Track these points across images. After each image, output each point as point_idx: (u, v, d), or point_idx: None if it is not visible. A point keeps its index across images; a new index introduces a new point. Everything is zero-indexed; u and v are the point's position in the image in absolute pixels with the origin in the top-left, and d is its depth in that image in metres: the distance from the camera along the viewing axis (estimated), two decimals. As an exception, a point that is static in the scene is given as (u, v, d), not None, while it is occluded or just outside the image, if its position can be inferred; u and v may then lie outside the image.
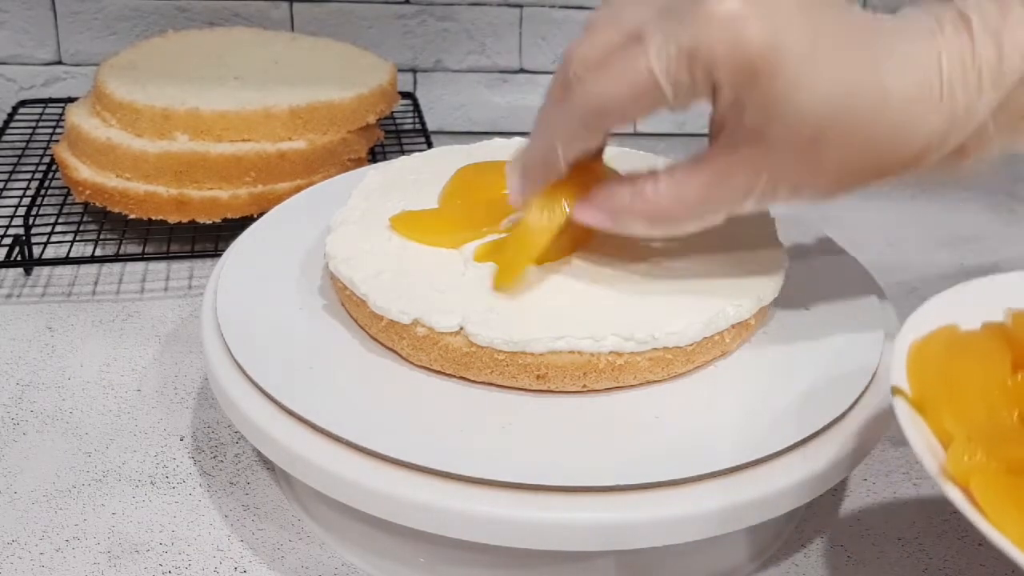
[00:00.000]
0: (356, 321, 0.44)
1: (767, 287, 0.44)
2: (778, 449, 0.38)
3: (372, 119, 0.68)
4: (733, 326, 0.42)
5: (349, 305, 0.44)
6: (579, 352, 0.40)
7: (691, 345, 0.41)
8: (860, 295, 0.48)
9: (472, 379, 0.41)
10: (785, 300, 0.46)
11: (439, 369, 0.42)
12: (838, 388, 0.41)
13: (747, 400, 0.41)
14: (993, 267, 0.66)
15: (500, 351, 0.40)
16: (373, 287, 0.42)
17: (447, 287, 0.42)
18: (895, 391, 0.34)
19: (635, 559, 0.40)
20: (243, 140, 0.63)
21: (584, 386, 0.41)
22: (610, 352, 0.40)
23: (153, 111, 0.62)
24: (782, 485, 0.37)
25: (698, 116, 0.93)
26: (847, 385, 0.41)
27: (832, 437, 0.39)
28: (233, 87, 0.66)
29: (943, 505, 0.46)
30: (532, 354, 0.40)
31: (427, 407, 0.40)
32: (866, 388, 0.42)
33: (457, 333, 0.41)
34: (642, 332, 0.40)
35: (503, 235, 0.45)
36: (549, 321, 0.40)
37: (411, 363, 0.42)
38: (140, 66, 0.68)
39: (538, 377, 0.40)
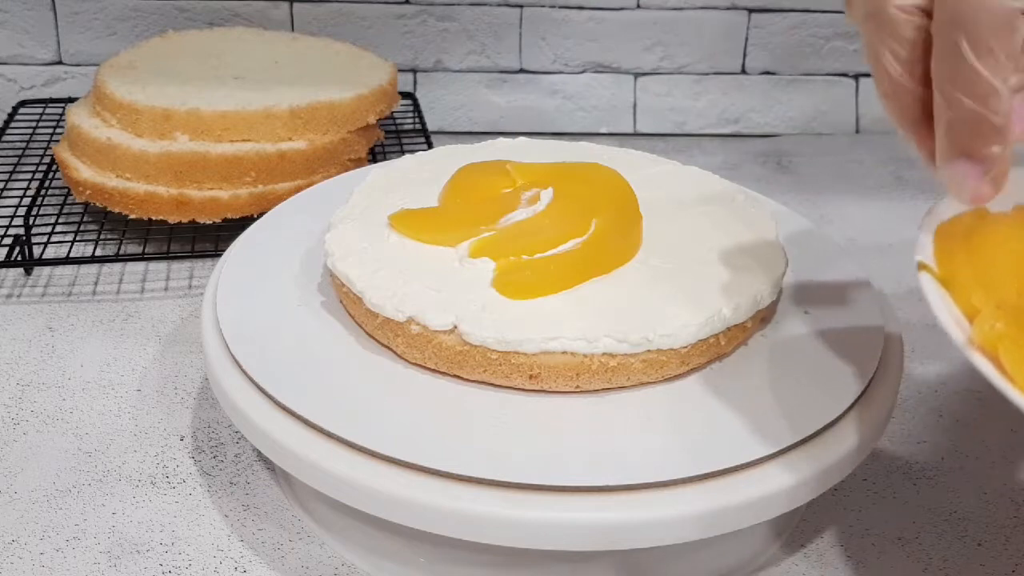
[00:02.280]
0: (354, 319, 0.44)
1: (764, 289, 0.44)
2: (774, 451, 0.38)
3: (372, 119, 0.68)
4: (729, 328, 0.42)
5: (347, 302, 0.45)
6: (572, 353, 0.40)
7: (686, 348, 0.41)
8: (859, 296, 0.48)
9: (466, 378, 0.41)
10: (783, 301, 0.46)
11: (433, 367, 0.42)
12: (836, 390, 0.41)
13: (742, 402, 0.41)
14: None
15: (493, 350, 0.40)
16: (369, 285, 0.42)
17: (443, 286, 0.42)
18: (921, 266, 0.33)
19: (632, 559, 0.40)
20: (243, 140, 0.63)
21: (577, 386, 0.41)
22: (603, 353, 0.40)
23: (153, 111, 0.62)
24: (778, 487, 0.37)
25: (697, 116, 0.93)
26: (845, 387, 0.41)
27: (830, 439, 0.39)
28: (233, 87, 0.66)
29: (943, 505, 0.46)
30: (525, 354, 0.40)
31: (422, 406, 0.40)
32: (864, 390, 0.42)
33: (451, 332, 0.41)
34: (636, 334, 0.40)
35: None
36: (542, 321, 0.40)
37: (406, 361, 0.42)
38: (140, 66, 0.68)
39: (531, 377, 0.40)
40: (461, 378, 0.41)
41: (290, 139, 0.64)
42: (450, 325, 0.40)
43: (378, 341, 0.43)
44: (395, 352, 0.42)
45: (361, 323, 0.44)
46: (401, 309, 0.41)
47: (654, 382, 0.42)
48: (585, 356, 0.40)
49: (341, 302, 0.45)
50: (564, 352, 0.40)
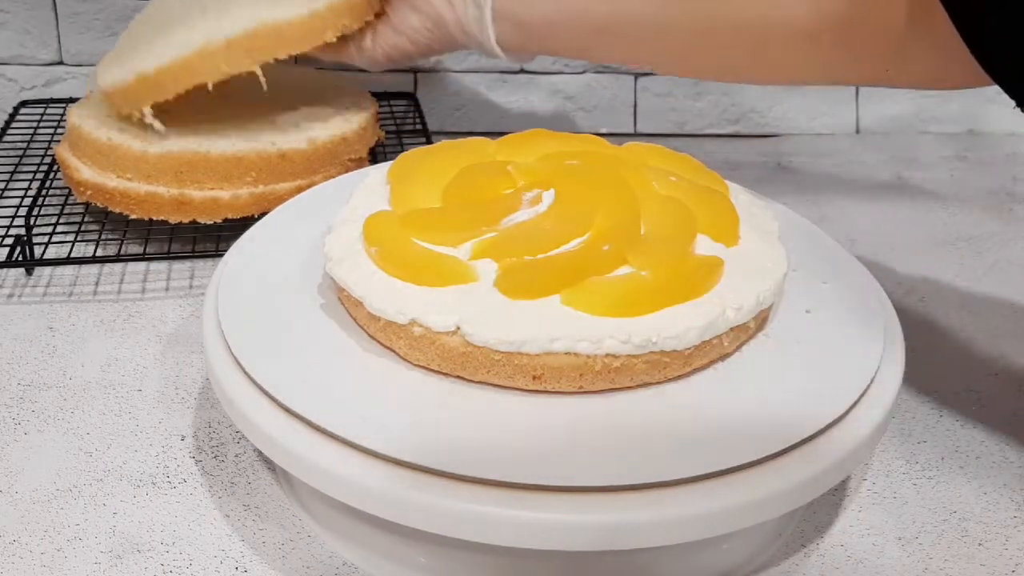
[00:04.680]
0: (355, 320, 0.44)
1: (767, 290, 0.44)
2: (775, 451, 0.38)
3: (331, 36, 0.62)
4: (732, 329, 0.42)
5: (348, 304, 0.45)
6: (575, 354, 0.40)
7: (689, 349, 0.41)
8: (860, 296, 0.48)
9: (468, 379, 0.41)
10: (785, 302, 0.46)
11: (436, 368, 0.42)
12: (837, 390, 0.41)
13: (744, 402, 0.41)
14: (993, 267, 0.66)
15: (496, 351, 0.40)
16: (369, 288, 0.42)
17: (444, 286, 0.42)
18: None
19: (633, 559, 0.40)
20: (194, 87, 0.60)
21: (580, 387, 0.41)
22: (606, 355, 0.40)
23: (125, 85, 0.61)
24: (779, 487, 0.37)
25: (698, 116, 0.92)
26: (846, 387, 0.41)
27: (830, 439, 0.39)
28: (173, 32, 0.61)
29: (943, 505, 0.46)
30: (528, 355, 0.40)
31: (425, 407, 0.40)
32: (866, 390, 0.42)
33: (454, 333, 0.41)
34: (639, 335, 0.40)
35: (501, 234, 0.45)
36: (546, 322, 0.40)
37: (409, 362, 0.42)
38: (119, 50, 0.66)
39: (534, 378, 0.40)
40: (463, 379, 0.41)
41: (239, 73, 0.60)
42: (453, 326, 0.40)
43: (379, 342, 0.43)
44: (397, 353, 0.42)
45: (363, 325, 0.44)
46: (403, 311, 0.41)
47: (657, 382, 0.42)
48: (588, 357, 0.40)
49: (342, 303, 0.45)
50: (567, 353, 0.40)
